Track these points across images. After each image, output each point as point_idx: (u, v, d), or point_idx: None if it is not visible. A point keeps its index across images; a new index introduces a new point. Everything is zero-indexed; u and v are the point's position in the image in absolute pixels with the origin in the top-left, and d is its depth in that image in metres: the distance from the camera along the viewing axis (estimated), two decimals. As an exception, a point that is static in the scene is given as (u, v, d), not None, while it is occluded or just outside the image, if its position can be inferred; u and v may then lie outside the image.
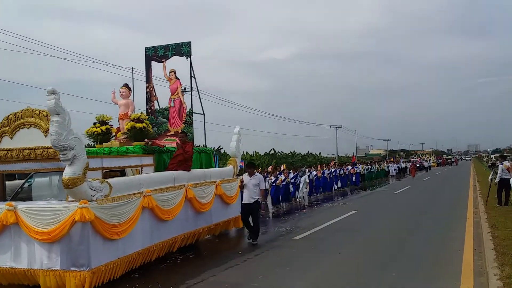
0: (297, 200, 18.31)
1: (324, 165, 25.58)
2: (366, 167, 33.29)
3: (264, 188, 9.94)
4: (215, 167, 11.94)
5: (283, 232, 10.88)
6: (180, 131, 10.51)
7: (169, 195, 7.83)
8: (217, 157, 13.66)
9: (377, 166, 37.45)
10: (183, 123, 11.14)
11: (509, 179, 13.21)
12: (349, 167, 28.47)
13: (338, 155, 66.50)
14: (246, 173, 9.86)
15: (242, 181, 9.71)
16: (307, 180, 18.21)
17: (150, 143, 8.72)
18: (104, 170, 7.24)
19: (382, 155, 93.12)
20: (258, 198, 9.59)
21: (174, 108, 11.25)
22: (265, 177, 16.19)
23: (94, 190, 6.03)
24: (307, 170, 21.42)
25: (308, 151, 69.60)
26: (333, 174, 24.52)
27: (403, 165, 47.01)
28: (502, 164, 14.27)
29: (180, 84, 11.26)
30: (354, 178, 28.41)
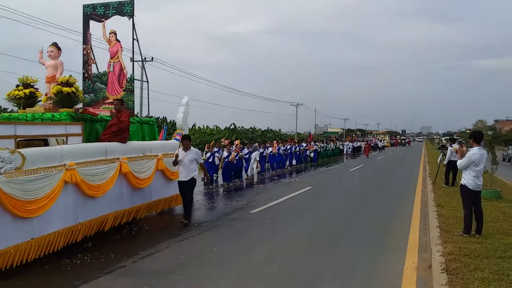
0: (249, 176, 18.00)
1: (280, 141, 25.36)
2: (322, 145, 33.40)
3: (202, 162, 9.20)
4: (162, 139, 11.29)
5: (240, 206, 10.93)
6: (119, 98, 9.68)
7: (98, 169, 7.06)
8: (166, 129, 12.78)
9: (331, 144, 37.58)
10: (123, 90, 10.30)
11: (457, 161, 13.34)
12: (304, 144, 28.49)
13: (298, 132, 66.93)
14: (181, 148, 8.88)
15: (176, 156, 8.75)
16: (257, 158, 17.50)
17: (80, 110, 7.90)
18: (19, 139, 6.56)
19: (339, 133, 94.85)
20: (194, 175, 8.76)
21: (113, 73, 10.37)
22: (217, 151, 16.07)
23: (2, 162, 5.26)
24: (259, 146, 20.69)
25: (268, 127, 69.83)
26: (288, 151, 24.34)
27: (358, 144, 47.80)
28: (451, 146, 14.74)
29: (121, 47, 10.40)
30: (312, 154, 28.58)
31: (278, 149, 22.91)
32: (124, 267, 5.88)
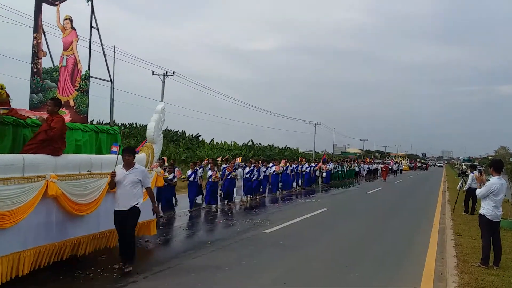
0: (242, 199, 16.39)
1: (288, 160, 23.84)
2: (336, 166, 32.11)
3: (150, 187, 6.86)
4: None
5: (254, 225, 10.89)
6: (72, 99, 8.03)
7: (8, 191, 5.27)
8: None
9: (347, 165, 35.96)
10: (76, 90, 8.40)
11: (476, 189, 13.11)
12: (313, 164, 27.17)
13: (316, 152, 66.62)
14: (121, 165, 6.65)
15: (113, 175, 6.49)
16: (238, 176, 15.90)
17: (1, 111, 6.19)
18: None
19: (358, 154, 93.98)
20: (138, 203, 6.55)
21: (66, 68, 8.46)
22: (195, 171, 13.90)
23: None
24: (241, 163, 18.82)
25: (286, 145, 69.82)
26: (294, 171, 22.48)
27: (375, 166, 45.83)
28: (473, 173, 14.37)
29: (77, 37, 8.41)
30: (324, 174, 27.57)
31: (286, 169, 21.19)
32: (135, 282, 5.91)
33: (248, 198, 16.55)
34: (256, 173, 16.91)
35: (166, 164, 13.86)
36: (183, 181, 13.95)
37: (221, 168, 16.16)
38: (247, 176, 16.60)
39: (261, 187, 18.05)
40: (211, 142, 58.14)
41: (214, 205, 13.97)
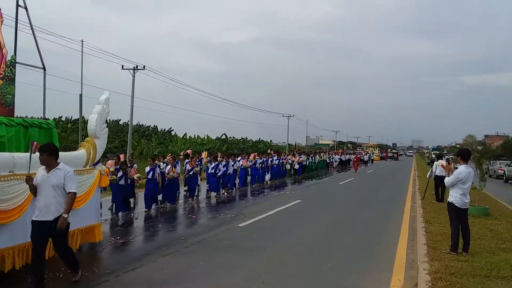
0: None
1: (257, 154, 22.98)
2: (308, 158, 31.50)
3: (75, 191, 5.47)
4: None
5: (228, 219, 10.84)
6: None
7: None
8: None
9: (318, 157, 35.18)
10: (0, 78, 7.58)
11: (444, 177, 13.59)
12: (283, 156, 26.19)
13: (289, 144, 67.02)
14: (43, 167, 5.51)
15: (27, 179, 5.38)
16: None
17: None
18: None
19: (331, 146, 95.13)
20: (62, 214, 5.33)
21: None
22: (154, 168, 12.53)
23: None
24: (208, 157, 18.37)
25: (260, 138, 69.96)
26: (264, 164, 21.75)
27: (346, 157, 45.44)
28: (437, 162, 15.07)
29: (1, 18, 7.60)
30: (296, 166, 27.07)
31: (255, 163, 20.76)
32: (107, 281, 5.78)
33: (214, 195, 15.77)
34: (224, 168, 16.46)
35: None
36: (140, 179, 12.66)
37: (184, 163, 15.38)
38: (212, 171, 15.92)
39: (229, 182, 17.49)
40: (184, 137, 57.65)
41: (169, 204, 12.95)
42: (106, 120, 8.23)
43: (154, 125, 62.16)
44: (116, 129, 54.12)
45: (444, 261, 6.45)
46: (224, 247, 7.87)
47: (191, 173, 14.52)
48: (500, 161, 35.06)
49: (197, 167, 14.82)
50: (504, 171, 29.93)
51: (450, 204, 7.26)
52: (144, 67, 30.30)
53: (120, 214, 11.28)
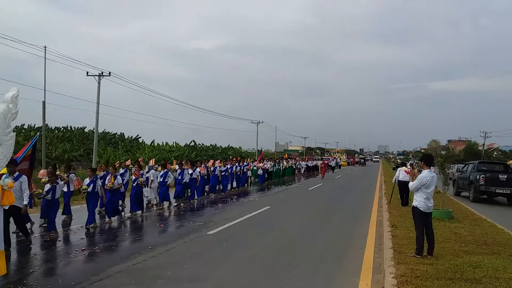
0: (152, 203, 15.08)
1: (220, 160, 22.73)
2: (274, 164, 30.98)
3: None
4: (21, 156, 9.11)
5: (196, 227, 10.74)
6: None
7: None
8: (35, 141, 9.97)
9: (284, 163, 34.82)
10: None
11: (407, 181, 14.19)
12: (245, 163, 25.12)
13: (258, 150, 67.18)
14: None
15: None
16: (152, 177, 14.96)
17: None
18: None
19: (300, 151, 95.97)
20: None
21: None
22: (95, 180, 10.94)
23: None
24: (155, 165, 17.89)
25: (229, 145, 69.93)
26: (229, 171, 21.06)
27: (314, 163, 45.60)
28: (399, 168, 16.11)
29: None
30: (260, 172, 26.36)
31: (214, 170, 19.90)
32: (71, 294, 5.59)
33: (165, 205, 14.90)
34: (179, 176, 15.81)
35: (58, 172, 11.23)
36: (83, 192, 10.99)
37: (121, 172, 14.47)
38: (161, 180, 15.01)
39: (188, 191, 17.12)
40: (152, 144, 56.90)
41: (109, 219, 11.63)
42: (20, 127, 7.74)
43: (121, 133, 61.20)
44: (81, 137, 52.91)
45: (409, 265, 6.55)
46: (192, 256, 7.77)
47: (134, 184, 13.04)
48: (458, 165, 35.75)
49: (141, 177, 13.29)
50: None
51: (415, 208, 7.43)
52: (109, 73, 29.82)
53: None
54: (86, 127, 56.71)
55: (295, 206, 15.86)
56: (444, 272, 6.22)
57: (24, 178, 8.30)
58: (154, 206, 14.77)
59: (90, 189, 10.70)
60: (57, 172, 11.21)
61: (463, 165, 25.02)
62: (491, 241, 8.71)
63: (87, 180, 10.89)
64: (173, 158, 31.65)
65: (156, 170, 16.05)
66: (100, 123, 28.27)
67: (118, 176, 12.18)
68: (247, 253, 8.07)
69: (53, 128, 53.06)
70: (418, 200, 7.37)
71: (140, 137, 61.47)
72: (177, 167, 16.45)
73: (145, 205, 13.90)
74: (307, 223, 11.82)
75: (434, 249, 7.33)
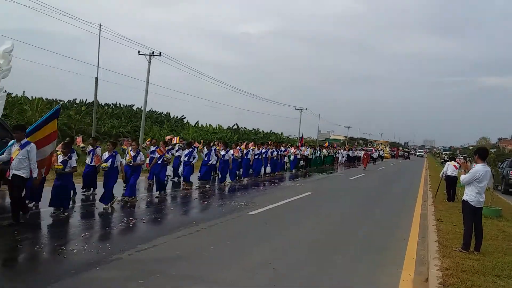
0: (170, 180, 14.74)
1: (255, 144, 21.82)
2: (313, 151, 30.21)
3: None
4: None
5: (238, 207, 10.88)
6: None
7: None
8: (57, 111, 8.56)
9: (324, 151, 34.09)
10: None
11: (455, 176, 14.38)
12: (282, 148, 24.21)
13: (300, 137, 66.93)
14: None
15: None
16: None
17: None
18: None
19: (342, 141, 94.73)
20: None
21: None
22: (114, 155, 10.09)
23: None
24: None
25: (271, 130, 69.97)
26: (263, 155, 20.29)
27: (355, 153, 44.35)
28: (449, 162, 15.68)
29: None
30: (292, 158, 25.19)
31: (247, 153, 19.08)
32: (120, 259, 5.86)
33: (184, 185, 14.31)
34: (206, 157, 15.26)
35: (83, 145, 12.35)
36: (103, 169, 10.08)
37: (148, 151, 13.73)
38: (185, 159, 14.48)
39: (213, 172, 16.69)
40: (196, 125, 57.89)
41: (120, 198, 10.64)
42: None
43: (166, 112, 62.51)
44: (129, 114, 54.54)
45: (455, 259, 6.42)
46: (235, 234, 7.93)
47: (159, 161, 12.53)
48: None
49: (167, 153, 12.79)
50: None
51: (465, 203, 7.21)
52: (160, 53, 30.41)
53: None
54: (134, 105, 58.37)
55: (336, 194, 15.78)
56: (491, 268, 6.06)
57: (32, 146, 7.43)
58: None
59: (109, 164, 9.88)
60: (82, 144, 12.06)
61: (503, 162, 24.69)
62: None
63: (106, 155, 10.12)
64: (216, 139, 31.99)
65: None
66: (147, 102, 28.98)
67: (141, 153, 11.25)
68: (288, 236, 8.13)
69: (103, 104, 55.00)
70: (469, 194, 7.14)
71: (185, 118, 62.62)
72: (205, 148, 15.79)
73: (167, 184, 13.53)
74: (348, 211, 11.74)
75: (482, 246, 7.11)
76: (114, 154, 10.03)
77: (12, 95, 39.98)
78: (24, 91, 42.79)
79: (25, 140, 7.40)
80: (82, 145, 12.61)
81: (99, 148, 11.72)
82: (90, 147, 11.73)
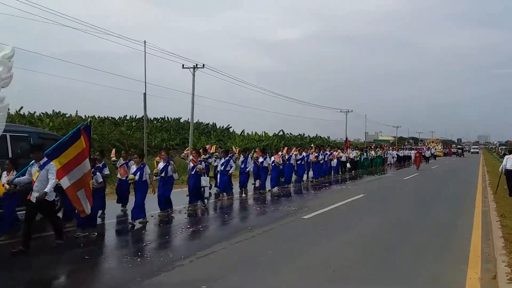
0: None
1: (297, 148, 20.57)
2: (360, 154, 28.82)
3: None
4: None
5: (291, 211, 10.91)
6: None
7: None
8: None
9: (372, 152, 32.58)
10: None
11: None
12: (328, 152, 22.69)
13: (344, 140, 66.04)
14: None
15: None
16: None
17: None
18: None
19: (391, 141, 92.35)
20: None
21: None
22: (142, 167, 9.60)
23: None
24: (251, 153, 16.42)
25: (317, 134, 69.47)
26: (305, 160, 19.24)
27: (405, 152, 42.22)
28: (508, 155, 14.85)
29: None
30: (335, 162, 23.18)
31: (289, 158, 17.63)
32: (182, 266, 6.04)
33: (225, 196, 13.55)
34: (242, 165, 14.73)
35: (114, 158, 11.62)
36: (129, 182, 9.88)
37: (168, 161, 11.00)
38: (222, 168, 13.70)
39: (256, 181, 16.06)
40: (242, 133, 58.45)
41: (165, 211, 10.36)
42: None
43: (212, 122, 63.53)
44: (177, 127, 55.93)
45: (524, 255, 6.13)
46: (290, 238, 7.95)
47: (192, 172, 11.77)
48: None
49: (200, 164, 11.82)
50: None
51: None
52: (203, 65, 31.03)
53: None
54: (181, 117, 59.82)
55: (390, 195, 15.44)
56: None
57: (51, 165, 6.99)
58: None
59: (137, 177, 9.43)
60: (113, 158, 11.74)
61: None
62: None
63: (134, 168, 9.66)
64: (258, 147, 32.06)
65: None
66: (194, 113, 29.62)
67: (146, 167, 9.90)
68: (345, 238, 8.07)
69: (152, 118, 56.81)
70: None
71: (230, 127, 63.38)
72: (241, 156, 15.26)
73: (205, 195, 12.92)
74: (404, 212, 11.45)
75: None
76: (142, 166, 9.56)
77: (67, 115, 42.03)
78: (77, 111, 44.89)
79: (45, 159, 7.04)
80: (114, 158, 11.88)
81: (132, 161, 10.47)
82: (121, 161, 11.23)
